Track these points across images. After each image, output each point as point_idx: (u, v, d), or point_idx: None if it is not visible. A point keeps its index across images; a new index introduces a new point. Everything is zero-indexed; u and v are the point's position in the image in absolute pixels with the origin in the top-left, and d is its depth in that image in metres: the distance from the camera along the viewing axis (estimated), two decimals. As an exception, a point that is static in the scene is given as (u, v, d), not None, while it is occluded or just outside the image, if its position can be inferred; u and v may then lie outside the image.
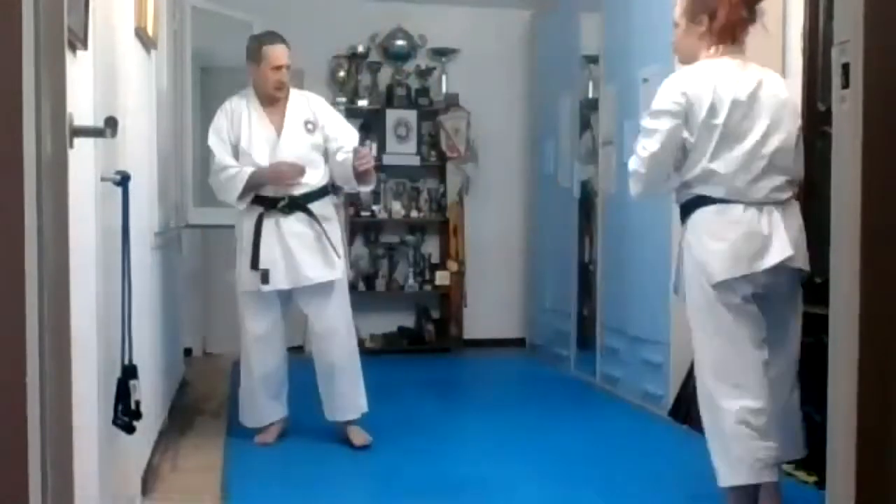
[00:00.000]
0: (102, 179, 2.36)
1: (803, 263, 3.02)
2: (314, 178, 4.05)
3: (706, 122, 2.94)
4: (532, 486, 3.38)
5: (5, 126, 1.27)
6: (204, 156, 5.33)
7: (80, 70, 2.22)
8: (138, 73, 3.39)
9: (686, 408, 4.44)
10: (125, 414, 2.44)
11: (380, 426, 4.10)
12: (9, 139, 1.28)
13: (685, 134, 2.96)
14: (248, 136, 4.04)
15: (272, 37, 4.13)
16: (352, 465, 3.77)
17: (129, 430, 2.46)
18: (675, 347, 4.38)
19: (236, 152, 4.04)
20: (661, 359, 4.62)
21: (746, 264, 2.92)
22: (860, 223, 1.82)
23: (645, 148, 2.99)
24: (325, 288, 4.02)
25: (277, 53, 4.06)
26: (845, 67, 1.87)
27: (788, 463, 3.36)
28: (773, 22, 4.65)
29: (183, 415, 4.60)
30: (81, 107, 2.19)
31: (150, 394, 3.35)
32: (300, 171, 3.96)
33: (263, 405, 4.14)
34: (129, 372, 2.47)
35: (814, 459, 3.15)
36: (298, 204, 4.01)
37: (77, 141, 1.91)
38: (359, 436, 4.00)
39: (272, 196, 4.00)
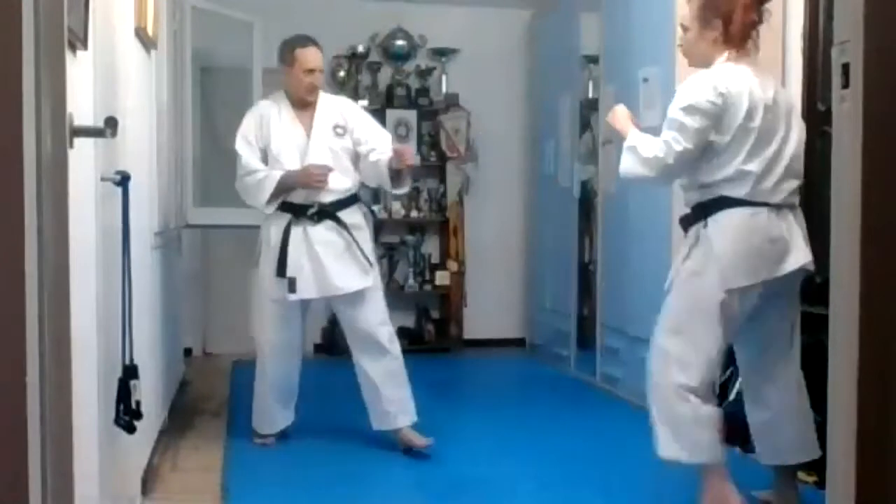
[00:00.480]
0: (102, 179, 2.36)
1: (812, 265, 3.05)
2: (343, 184, 3.97)
3: (743, 125, 2.93)
4: (532, 485, 3.38)
5: (5, 126, 1.27)
6: (205, 155, 5.35)
7: (80, 70, 2.22)
8: (138, 73, 3.38)
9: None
10: (126, 414, 2.44)
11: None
12: (9, 139, 1.28)
13: (713, 136, 2.93)
14: (278, 141, 3.99)
15: (304, 40, 4.06)
16: (351, 465, 3.77)
17: (131, 429, 2.46)
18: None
19: (265, 156, 3.99)
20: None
21: (768, 270, 2.94)
22: (860, 223, 1.82)
23: (679, 142, 2.94)
24: (357, 297, 3.93)
25: (310, 56, 4.01)
26: (845, 67, 1.87)
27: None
28: (774, 22, 4.66)
29: (183, 415, 4.60)
30: (81, 107, 2.19)
31: (150, 394, 3.35)
32: (329, 171, 3.88)
33: (275, 412, 4.10)
34: (130, 372, 2.47)
35: (814, 459, 3.15)
36: (327, 212, 3.93)
37: (77, 141, 1.91)
38: (418, 438, 3.92)
39: (301, 203, 3.94)
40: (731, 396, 3.80)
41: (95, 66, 2.32)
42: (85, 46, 2.23)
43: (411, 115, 6.75)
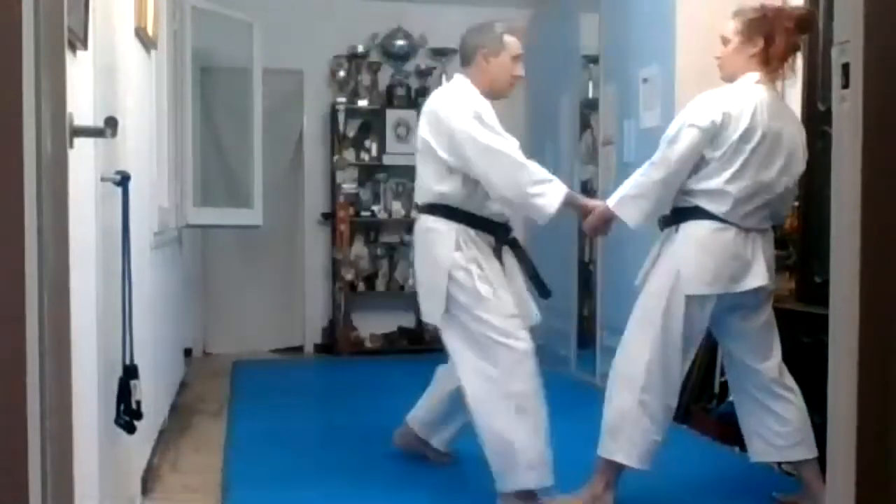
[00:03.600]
0: (102, 179, 2.36)
1: (774, 284, 3.27)
2: None
3: (736, 145, 3.02)
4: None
5: (5, 126, 1.27)
6: (205, 155, 5.35)
7: (80, 70, 2.22)
8: (138, 73, 3.38)
9: (686, 408, 4.44)
10: (126, 413, 2.44)
11: (380, 426, 4.09)
12: (9, 139, 1.28)
13: (707, 152, 3.04)
14: None
15: (510, 27, 3.48)
16: (351, 465, 3.77)
17: (131, 429, 2.46)
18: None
19: None
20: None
21: (724, 284, 3.08)
22: (860, 223, 1.82)
23: (676, 155, 3.05)
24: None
25: (517, 42, 3.44)
26: (845, 67, 1.87)
27: (789, 463, 3.37)
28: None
29: (183, 415, 4.60)
30: (81, 107, 2.19)
31: (150, 394, 3.35)
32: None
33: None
34: (130, 372, 2.47)
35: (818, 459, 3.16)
36: (514, 238, 3.49)
37: (77, 141, 1.91)
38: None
39: (502, 223, 3.40)
40: (731, 397, 3.80)
41: (95, 66, 2.32)
42: (85, 46, 2.23)
43: (411, 115, 6.74)
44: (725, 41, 3.18)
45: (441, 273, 3.21)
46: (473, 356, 3.21)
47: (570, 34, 6.07)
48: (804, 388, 3.26)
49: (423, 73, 6.85)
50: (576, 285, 5.99)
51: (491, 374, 3.15)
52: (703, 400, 4.39)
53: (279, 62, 6.17)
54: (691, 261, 3.07)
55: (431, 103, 3.37)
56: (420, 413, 3.80)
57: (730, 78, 3.16)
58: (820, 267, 3.53)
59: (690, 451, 4.03)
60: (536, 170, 3.19)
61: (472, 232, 3.26)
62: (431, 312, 3.31)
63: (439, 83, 6.84)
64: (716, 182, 3.04)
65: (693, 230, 3.08)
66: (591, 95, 6.30)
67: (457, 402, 3.50)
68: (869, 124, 1.80)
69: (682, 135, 3.05)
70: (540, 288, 3.43)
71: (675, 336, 3.08)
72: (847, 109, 1.87)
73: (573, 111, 6.09)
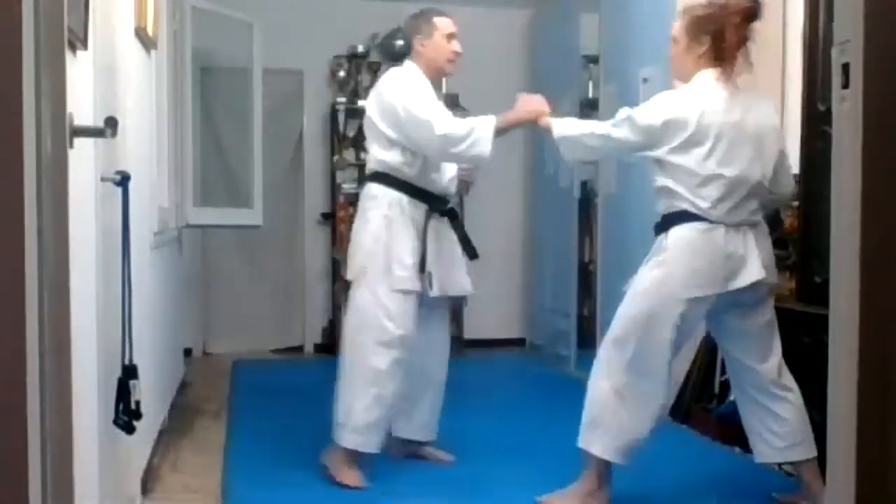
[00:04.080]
0: (102, 179, 2.36)
1: (774, 279, 3.23)
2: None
3: (681, 153, 3.04)
4: (531, 485, 3.38)
5: (5, 126, 1.27)
6: (205, 155, 5.35)
7: (80, 70, 2.22)
8: (138, 73, 3.38)
9: (686, 408, 4.44)
10: (125, 413, 2.44)
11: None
12: (9, 139, 1.28)
13: (653, 152, 3.10)
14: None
15: (437, 10, 3.78)
16: (352, 465, 3.77)
17: (130, 429, 2.46)
18: (675, 347, 4.37)
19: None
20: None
21: (720, 284, 3.06)
22: (860, 223, 1.82)
23: (614, 136, 3.18)
24: (444, 301, 3.77)
25: (447, 21, 3.73)
26: (845, 67, 1.87)
27: (789, 463, 3.37)
28: (773, 22, 4.66)
29: (183, 415, 4.60)
30: (81, 107, 2.19)
31: (150, 394, 3.35)
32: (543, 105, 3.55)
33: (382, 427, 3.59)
34: (130, 372, 2.47)
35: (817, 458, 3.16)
36: (452, 209, 3.76)
37: (77, 141, 1.91)
38: (442, 454, 3.84)
39: (438, 194, 3.66)
40: (732, 396, 3.80)
41: (95, 66, 2.32)
42: (85, 46, 2.22)
43: (411, 116, 6.74)
44: (674, 41, 3.19)
45: (367, 235, 3.54)
46: (357, 322, 3.54)
47: (570, 34, 6.07)
48: (804, 388, 3.26)
49: (423, 73, 6.84)
50: (576, 285, 5.99)
51: (363, 342, 3.50)
52: (703, 400, 4.39)
53: (279, 62, 6.16)
54: (682, 265, 3.05)
55: (378, 84, 3.70)
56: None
57: (683, 78, 3.17)
58: (820, 267, 3.53)
59: (690, 451, 4.03)
60: (458, 128, 3.47)
61: (405, 199, 3.55)
62: (350, 269, 3.61)
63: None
64: (689, 189, 3.05)
65: (682, 233, 3.07)
66: (591, 95, 6.30)
67: (415, 387, 3.71)
68: (869, 124, 1.80)
69: (622, 126, 3.14)
70: (470, 251, 3.72)
71: (662, 337, 3.07)
72: (847, 109, 1.87)
73: (573, 111, 6.07)
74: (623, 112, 3.18)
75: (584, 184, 5.98)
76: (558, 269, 6.24)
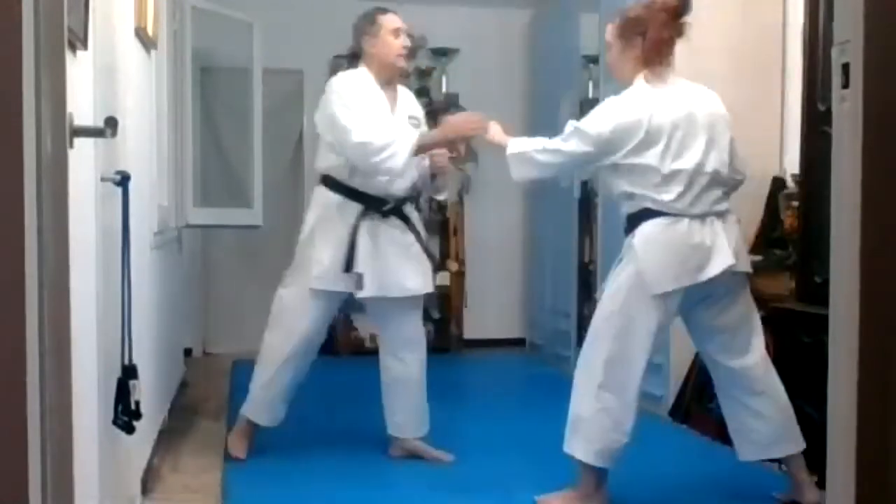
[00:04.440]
0: (102, 179, 2.36)
1: (745, 267, 3.21)
2: (413, 178, 3.76)
3: (634, 156, 3.05)
4: (532, 485, 3.38)
5: (5, 126, 1.27)
6: (205, 155, 5.35)
7: (80, 70, 2.22)
8: (138, 73, 3.38)
9: (686, 408, 4.44)
10: (125, 414, 2.44)
11: (379, 427, 4.09)
12: (9, 139, 1.27)
13: (607, 160, 3.11)
14: (371, 110, 3.62)
15: (382, 7, 3.80)
16: (351, 464, 3.77)
17: (130, 430, 2.46)
18: (674, 348, 4.38)
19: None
20: (661, 359, 4.61)
21: (690, 276, 3.06)
22: (860, 223, 1.82)
23: (565, 150, 3.17)
24: (413, 299, 3.81)
25: (393, 17, 3.75)
26: (845, 67, 1.87)
27: (776, 460, 3.38)
28: (773, 22, 4.67)
29: (183, 415, 4.60)
30: (81, 107, 2.19)
31: (149, 394, 3.35)
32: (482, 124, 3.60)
33: (280, 406, 3.87)
34: (129, 372, 2.47)
35: (814, 459, 3.16)
36: (398, 208, 3.75)
37: (77, 141, 1.91)
38: (440, 453, 3.84)
39: (375, 195, 3.69)
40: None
41: (95, 66, 2.32)
42: (85, 46, 2.22)
43: (411, 116, 6.74)
44: (608, 47, 3.22)
45: (301, 236, 3.79)
46: (276, 311, 3.82)
47: (570, 34, 6.07)
48: (804, 388, 3.25)
49: (423, 73, 6.84)
50: (576, 285, 5.99)
51: (276, 330, 3.80)
52: (704, 400, 4.38)
53: (279, 62, 6.16)
54: (650, 260, 3.06)
55: (326, 87, 3.75)
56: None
57: (624, 81, 3.19)
58: (820, 267, 3.53)
59: (690, 451, 4.03)
60: (377, 139, 3.49)
61: (338, 201, 3.68)
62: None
63: (439, 83, 6.87)
64: (647, 190, 3.06)
65: (647, 230, 3.08)
66: (591, 95, 6.29)
67: (392, 388, 3.86)
68: (869, 124, 1.80)
69: (571, 138, 3.14)
70: (427, 252, 3.80)
71: (637, 336, 3.07)
72: (847, 109, 1.87)
73: (573, 111, 6.07)
74: (570, 125, 3.19)
75: (584, 184, 5.98)
76: (558, 269, 6.23)
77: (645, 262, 3.06)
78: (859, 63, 1.81)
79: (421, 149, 3.59)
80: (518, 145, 3.34)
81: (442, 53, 6.83)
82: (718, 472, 3.70)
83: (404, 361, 3.85)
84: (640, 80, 3.13)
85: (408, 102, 3.88)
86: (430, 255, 3.81)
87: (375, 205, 3.69)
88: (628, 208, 3.16)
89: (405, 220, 3.77)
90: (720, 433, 4.02)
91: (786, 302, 3.83)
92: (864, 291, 1.82)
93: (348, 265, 3.63)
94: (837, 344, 1.92)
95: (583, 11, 5.87)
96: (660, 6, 3.10)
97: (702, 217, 3.08)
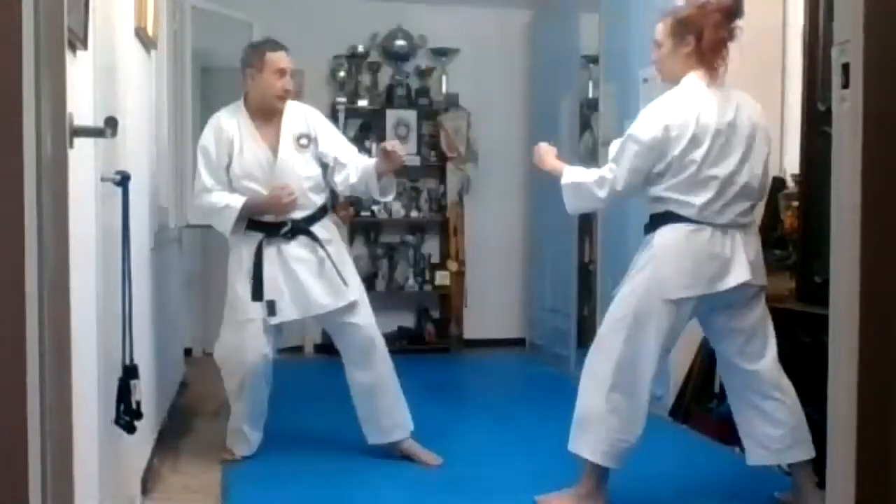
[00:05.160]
0: (102, 179, 2.36)
1: (761, 280, 3.19)
2: (314, 199, 3.78)
3: (683, 155, 3.02)
4: (532, 485, 3.38)
5: (5, 126, 1.27)
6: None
7: (80, 70, 2.22)
8: (138, 73, 3.38)
9: (686, 408, 4.44)
10: (126, 414, 2.44)
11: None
12: (9, 139, 1.27)
13: (660, 164, 3.05)
14: (240, 160, 3.71)
15: (273, 43, 3.80)
16: (351, 464, 3.77)
17: (131, 429, 2.46)
18: (675, 348, 4.37)
19: (227, 176, 3.73)
20: (661, 359, 4.62)
21: (705, 285, 3.06)
22: (860, 223, 1.82)
23: (619, 167, 3.10)
24: (345, 311, 3.77)
25: (281, 56, 3.73)
26: (845, 67, 1.87)
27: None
28: (773, 22, 4.66)
29: (183, 415, 4.60)
30: (81, 107, 2.19)
31: (150, 394, 3.35)
32: (293, 194, 3.67)
33: (252, 435, 3.89)
34: (130, 372, 2.47)
35: (814, 459, 3.16)
36: (301, 228, 3.73)
37: (77, 141, 1.91)
38: (428, 456, 3.81)
39: (272, 222, 3.71)
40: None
41: (95, 66, 2.32)
42: (85, 46, 2.22)
43: (411, 115, 6.75)
44: (658, 45, 3.18)
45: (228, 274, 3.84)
46: (219, 360, 3.86)
47: (570, 34, 6.07)
48: (804, 388, 3.25)
49: (423, 74, 6.84)
50: (576, 285, 5.99)
51: (228, 367, 3.84)
52: (704, 400, 4.38)
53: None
54: (668, 265, 3.05)
55: None
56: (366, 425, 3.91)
57: (671, 80, 3.16)
58: (820, 267, 3.53)
59: (690, 451, 4.03)
60: (214, 202, 3.72)
61: (241, 234, 3.74)
62: None
63: (439, 83, 6.87)
64: (677, 192, 3.04)
65: (668, 234, 3.07)
66: (591, 95, 6.30)
67: (365, 394, 3.86)
68: (869, 124, 1.80)
69: (625, 152, 3.09)
70: (336, 270, 3.76)
71: (649, 338, 3.07)
72: (847, 109, 1.87)
73: (573, 111, 6.08)
74: (614, 145, 3.20)
75: (584, 184, 5.97)
76: (558, 269, 6.23)
77: (662, 267, 3.06)
78: (859, 63, 1.81)
79: (247, 210, 3.70)
80: (573, 175, 3.28)
81: (442, 53, 6.83)
82: (718, 472, 3.70)
83: (361, 369, 3.84)
84: (689, 79, 3.09)
85: (296, 122, 3.80)
86: (338, 271, 3.74)
87: (274, 230, 3.72)
88: (653, 208, 3.14)
89: (313, 237, 3.74)
90: (720, 433, 4.02)
91: (786, 302, 3.82)
92: (864, 291, 1.82)
93: (256, 294, 3.70)
94: (837, 344, 1.92)
95: (583, 11, 5.86)
96: (714, 6, 3.07)
97: (724, 228, 3.07)
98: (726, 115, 3.05)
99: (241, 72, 3.81)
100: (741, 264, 3.07)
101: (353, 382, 3.88)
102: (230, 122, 3.76)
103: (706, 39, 3.06)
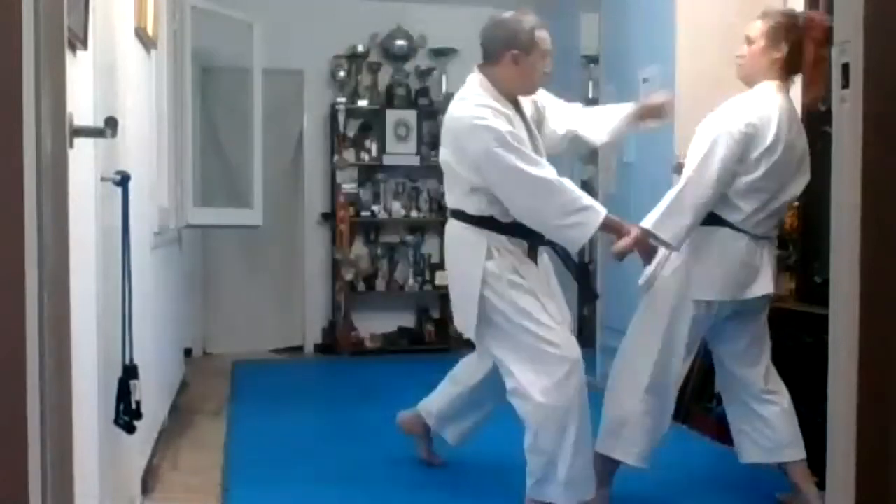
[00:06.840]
0: (102, 179, 2.36)
1: (775, 290, 3.24)
2: None
3: (760, 157, 2.99)
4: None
5: (5, 126, 1.27)
6: (205, 155, 5.34)
7: (80, 70, 2.22)
8: (138, 73, 3.38)
9: (686, 408, 4.44)
10: (126, 413, 2.44)
11: (379, 426, 4.09)
12: (9, 139, 1.28)
13: (739, 165, 3.01)
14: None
15: (535, 19, 3.24)
16: (351, 464, 3.77)
17: (131, 429, 2.46)
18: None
19: None
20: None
21: (733, 291, 3.09)
22: (860, 223, 1.82)
23: (706, 172, 2.96)
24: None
25: (547, 37, 3.22)
26: (845, 67, 1.87)
27: (778, 465, 3.37)
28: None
29: (183, 415, 4.60)
30: (81, 107, 2.19)
31: (150, 394, 3.35)
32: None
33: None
34: (130, 372, 2.47)
35: (814, 459, 3.16)
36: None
37: (77, 141, 1.91)
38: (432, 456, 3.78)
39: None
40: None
41: (95, 66, 2.32)
42: (85, 46, 2.22)
43: (411, 115, 6.75)
44: (750, 41, 3.11)
45: (473, 285, 3.05)
46: (522, 367, 3.03)
47: (570, 34, 6.06)
48: (805, 388, 3.26)
49: (423, 74, 6.84)
50: (576, 285, 5.97)
51: (544, 385, 2.98)
52: (704, 400, 4.38)
53: (279, 62, 6.17)
54: (703, 266, 3.06)
55: (448, 118, 3.25)
56: (436, 405, 3.68)
57: (748, 80, 3.11)
58: (820, 267, 3.53)
59: (690, 451, 4.03)
60: (569, 197, 2.97)
61: (503, 238, 3.08)
62: (463, 325, 3.20)
63: (439, 83, 6.87)
64: (733, 192, 3.02)
65: (709, 236, 3.06)
66: (591, 95, 6.30)
67: (479, 396, 3.57)
68: (869, 124, 1.80)
69: (717, 147, 2.97)
70: (586, 292, 3.42)
71: (680, 339, 3.09)
72: (847, 109, 1.87)
73: (573, 111, 6.07)
74: (706, 139, 3.00)
75: (584, 183, 5.98)
76: (558, 269, 6.22)
77: (697, 267, 3.06)
78: (859, 63, 1.81)
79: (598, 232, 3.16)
80: (651, 218, 3.04)
81: (442, 53, 6.83)
82: (718, 472, 3.70)
83: (496, 379, 3.32)
84: (767, 87, 3.06)
85: (527, 106, 3.40)
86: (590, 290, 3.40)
87: (536, 237, 3.22)
88: None
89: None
90: (720, 433, 4.02)
91: (786, 302, 3.83)
92: (864, 291, 1.82)
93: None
94: (837, 344, 1.92)
95: (583, 11, 5.87)
96: (818, 22, 3.04)
97: (758, 238, 3.09)
98: (791, 131, 3.05)
99: (498, 49, 3.22)
100: (767, 275, 3.11)
101: (475, 378, 3.57)
102: (506, 112, 3.15)
103: (806, 53, 3.03)
